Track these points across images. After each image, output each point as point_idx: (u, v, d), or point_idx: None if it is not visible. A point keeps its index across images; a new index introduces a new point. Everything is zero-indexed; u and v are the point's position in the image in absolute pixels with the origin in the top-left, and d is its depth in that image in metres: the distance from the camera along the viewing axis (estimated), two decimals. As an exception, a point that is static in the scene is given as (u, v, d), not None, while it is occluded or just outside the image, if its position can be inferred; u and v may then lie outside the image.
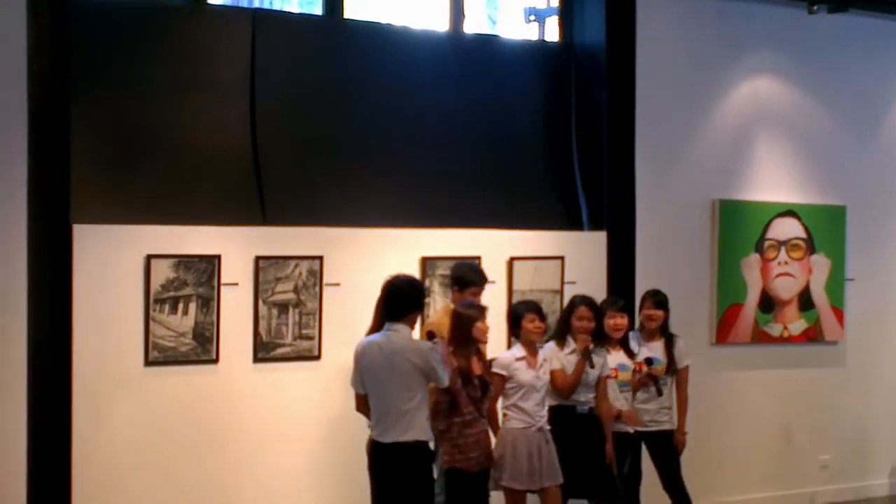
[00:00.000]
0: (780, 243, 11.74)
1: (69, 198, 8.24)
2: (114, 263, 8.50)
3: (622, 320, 9.32)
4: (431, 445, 7.92)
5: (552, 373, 8.79)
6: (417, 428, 7.74)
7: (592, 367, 8.90)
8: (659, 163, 10.96)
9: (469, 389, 8.31)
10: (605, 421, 9.05)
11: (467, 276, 9.01)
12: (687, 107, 11.21)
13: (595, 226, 10.70)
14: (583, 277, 10.18)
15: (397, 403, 7.72)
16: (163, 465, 8.64)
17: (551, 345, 8.98)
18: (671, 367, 9.57)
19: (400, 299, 7.89)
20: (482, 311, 8.55)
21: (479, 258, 9.64)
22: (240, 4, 9.79)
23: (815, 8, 11.72)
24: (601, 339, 9.07)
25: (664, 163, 11.04)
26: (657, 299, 9.63)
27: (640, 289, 10.07)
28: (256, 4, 9.90)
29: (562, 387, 8.84)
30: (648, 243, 10.74)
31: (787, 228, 11.77)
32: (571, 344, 8.94)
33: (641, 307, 9.72)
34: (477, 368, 8.42)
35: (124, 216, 8.60)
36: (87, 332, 8.30)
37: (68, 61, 8.30)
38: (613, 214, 10.63)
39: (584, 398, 8.92)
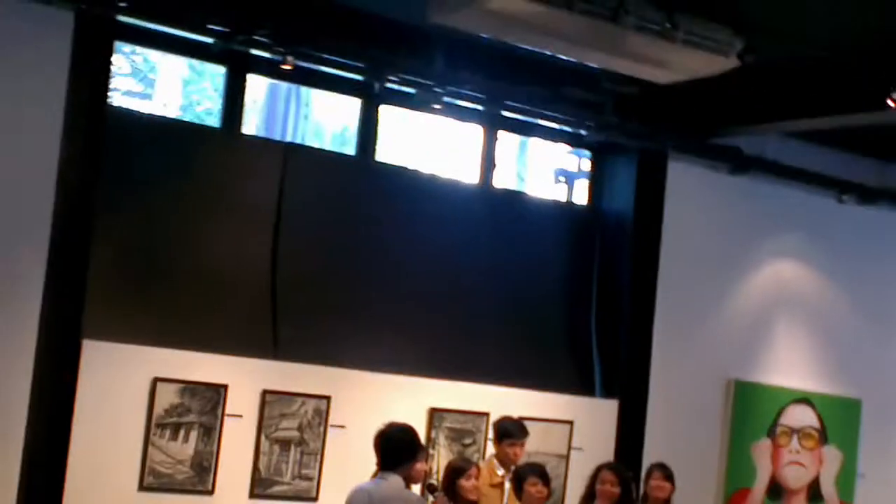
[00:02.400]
0: (793, 430, 11.58)
1: (82, 312, 8.19)
2: (120, 382, 8.39)
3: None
4: None
5: None
6: None
7: None
8: (677, 335, 10.88)
9: (458, 548, 8.08)
10: None
11: (506, 427, 8.93)
12: (709, 282, 11.16)
13: (607, 392, 10.57)
14: (591, 444, 10.04)
15: None
16: None
17: None
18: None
19: (393, 448, 7.72)
20: (469, 466, 8.38)
21: (487, 414, 9.49)
22: (273, 136, 9.81)
23: (845, 198, 11.74)
24: None
25: (682, 336, 10.94)
26: (667, 472, 9.43)
27: (647, 461, 9.88)
28: (290, 137, 9.92)
29: None
30: (659, 415, 10.61)
31: (800, 416, 11.62)
32: None
33: (648, 478, 9.51)
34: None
35: (136, 336, 8.51)
36: (85, 448, 8.16)
37: (97, 178, 8.34)
38: (627, 383, 10.55)
39: None
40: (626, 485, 8.78)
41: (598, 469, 8.90)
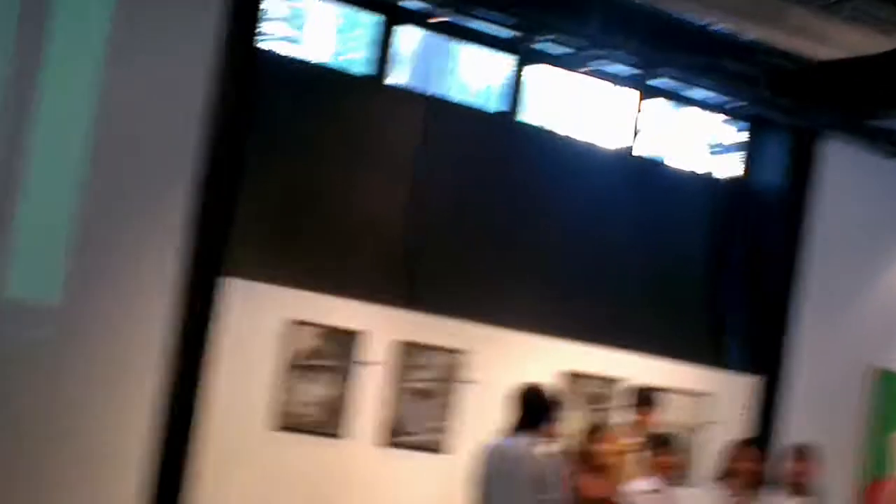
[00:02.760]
0: (935, 425, 11.25)
1: (225, 250, 8.24)
2: (257, 322, 8.45)
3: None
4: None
5: None
6: None
7: None
8: (819, 317, 10.65)
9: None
10: None
11: (648, 395, 8.93)
12: (857, 266, 10.92)
13: (744, 368, 10.39)
14: (725, 418, 9.85)
15: None
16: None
17: (711, 485, 8.59)
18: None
19: (531, 408, 7.70)
20: (610, 432, 8.29)
21: (622, 380, 9.39)
22: (419, 88, 9.78)
23: None
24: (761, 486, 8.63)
25: (825, 318, 10.71)
26: (810, 453, 9.18)
27: (782, 440, 9.75)
28: (435, 91, 9.89)
29: None
30: (797, 396, 10.41)
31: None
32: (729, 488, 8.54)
33: (789, 459, 9.24)
34: (597, 490, 8.11)
35: (275, 277, 8.55)
36: (221, 385, 8.22)
37: (246, 119, 8.37)
38: (766, 361, 10.36)
39: None
40: (762, 462, 8.59)
41: (738, 446, 8.70)
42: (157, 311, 8.02)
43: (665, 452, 8.37)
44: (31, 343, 7.68)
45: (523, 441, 7.64)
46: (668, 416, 9.72)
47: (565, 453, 8.35)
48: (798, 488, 9.15)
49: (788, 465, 9.20)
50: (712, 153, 10.97)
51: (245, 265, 8.43)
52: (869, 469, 10.98)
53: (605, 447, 8.12)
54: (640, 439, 8.76)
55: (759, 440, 9.85)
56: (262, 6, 8.51)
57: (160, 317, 8.02)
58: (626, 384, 9.32)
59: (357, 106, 9.23)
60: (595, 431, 8.28)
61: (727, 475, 8.55)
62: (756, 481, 8.49)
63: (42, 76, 7.73)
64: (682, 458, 8.55)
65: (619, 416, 8.88)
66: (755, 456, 8.52)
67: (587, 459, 8.09)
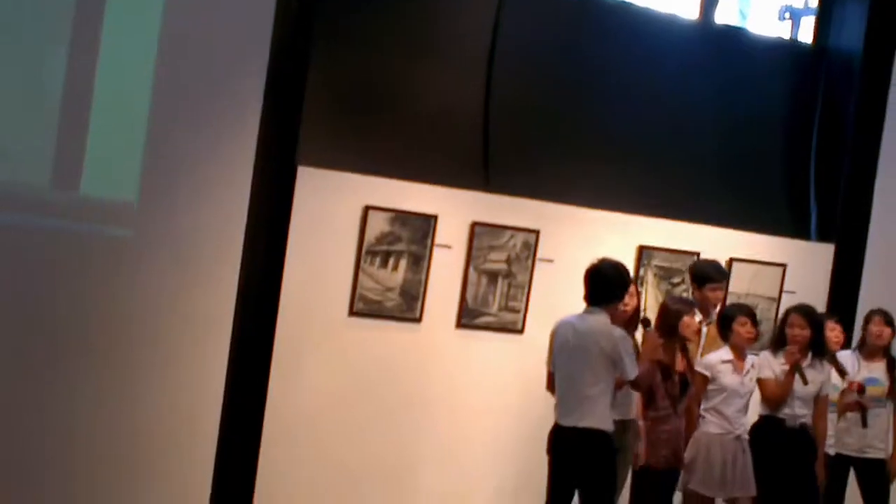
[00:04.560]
0: None
1: (297, 139, 8.30)
2: (332, 210, 8.52)
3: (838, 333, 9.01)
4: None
5: (760, 381, 8.47)
6: (597, 416, 7.56)
7: (805, 382, 8.48)
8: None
9: (668, 385, 8.08)
10: (820, 441, 8.67)
11: (706, 271, 8.81)
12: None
13: (823, 236, 10.34)
14: (803, 288, 9.84)
15: (580, 387, 7.57)
16: (351, 418, 8.65)
17: (766, 353, 8.66)
18: (893, 389, 9.13)
19: (602, 284, 7.74)
20: (692, 307, 8.32)
21: (697, 254, 9.38)
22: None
23: None
24: (821, 352, 8.65)
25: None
26: (888, 318, 9.20)
27: (863, 307, 9.67)
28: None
29: (769, 397, 8.52)
30: (878, 262, 10.31)
31: None
32: None
33: (867, 324, 9.28)
34: (679, 364, 8.20)
35: (349, 164, 8.59)
36: (298, 274, 8.32)
37: (314, 7, 8.34)
38: (845, 227, 10.27)
39: (797, 412, 8.54)
40: (816, 327, 8.59)
41: (787, 313, 8.73)
42: (234, 206, 8.10)
43: (745, 323, 8.43)
44: (110, 240, 7.85)
45: (597, 317, 7.71)
46: (746, 288, 9.76)
47: (646, 327, 8.45)
48: (872, 353, 9.20)
49: (868, 330, 9.23)
50: (788, 17, 10.73)
51: (319, 154, 8.45)
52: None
53: (685, 320, 8.20)
54: (702, 318, 8.75)
55: (840, 308, 9.85)
56: None
57: (237, 211, 8.10)
58: (701, 257, 9.28)
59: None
60: (680, 308, 8.33)
61: (778, 342, 8.60)
62: (805, 347, 8.51)
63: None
64: (758, 329, 8.60)
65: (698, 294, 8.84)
66: (802, 321, 8.53)
67: (666, 334, 8.20)
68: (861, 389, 9.00)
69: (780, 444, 8.49)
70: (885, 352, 9.23)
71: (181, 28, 7.90)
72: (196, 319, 7.99)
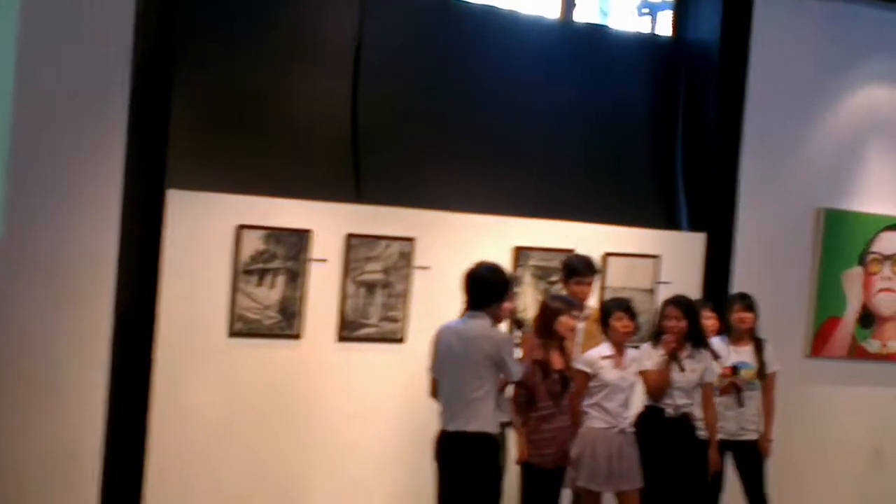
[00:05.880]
0: (885, 258, 11.41)
1: (165, 162, 8.24)
2: (205, 231, 8.46)
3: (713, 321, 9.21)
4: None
5: (642, 373, 8.63)
6: (483, 418, 7.65)
7: (682, 370, 8.67)
8: (765, 166, 10.70)
9: (549, 384, 8.17)
10: (710, 429, 8.84)
11: (573, 264, 8.91)
12: (799, 110, 10.90)
13: (694, 226, 10.49)
14: (678, 278, 9.98)
15: (465, 391, 7.64)
16: (238, 438, 8.60)
17: (647, 345, 8.83)
18: (762, 371, 9.36)
19: (481, 288, 7.82)
20: (571, 305, 8.40)
21: (572, 251, 9.46)
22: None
23: (941, 17, 11.35)
24: (699, 341, 8.82)
25: (771, 166, 10.76)
26: (747, 302, 9.44)
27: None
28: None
29: (650, 388, 8.70)
30: (748, 248, 10.51)
31: (893, 243, 11.43)
32: None
33: (730, 310, 9.50)
34: (557, 362, 8.29)
35: (219, 184, 8.54)
36: (174, 298, 8.27)
37: (174, 24, 8.27)
38: (714, 216, 10.44)
39: (678, 402, 8.71)
40: (692, 317, 8.78)
41: (663, 305, 8.92)
42: (104, 234, 8.03)
43: (621, 317, 8.55)
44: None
45: (479, 321, 7.77)
46: (621, 282, 9.88)
47: (522, 329, 8.55)
48: (739, 337, 9.43)
49: (732, 315, 9.45)
50: (647, 12, 10.88)
51: (188, 176, 8.40)
52: (824, 307, 11.17)
53: (561, 319, 8.29)
54: (591, 308, 8.90)
55: (714, 295, 10.02)
56: None
57: (107, 238, 8.03)
58: (571, 255, 9.36)
59: (289, 1, 9.13)
60: (551, 304, 8.43)
61: (657, 334, 8.79)
62: (682, 337, 8.69)
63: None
64: (636, 322, 8.73)
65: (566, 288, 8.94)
66: (677, 312, 8.72)
67: (544, 333, 8.29)
68: (734, 371, 9.24)
69: (661, 433, 8.66)
70: (751, 335, 9.46)
71: (37, 55, 7.78)
72: (70, 351, 7.91)
